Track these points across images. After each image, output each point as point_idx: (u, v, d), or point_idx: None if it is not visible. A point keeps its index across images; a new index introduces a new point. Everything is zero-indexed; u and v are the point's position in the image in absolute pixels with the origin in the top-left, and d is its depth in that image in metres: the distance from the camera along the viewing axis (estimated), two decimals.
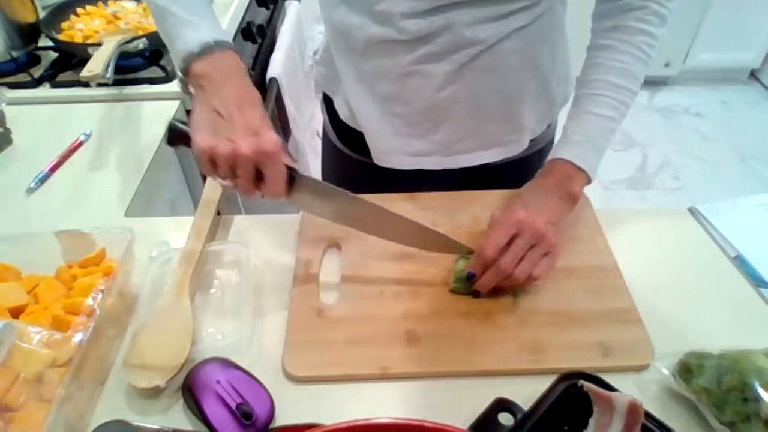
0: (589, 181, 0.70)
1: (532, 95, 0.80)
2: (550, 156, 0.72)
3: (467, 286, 0.67)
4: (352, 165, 0.93)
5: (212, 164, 0.59)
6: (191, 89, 0.65)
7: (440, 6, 0.67)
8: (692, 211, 0.81)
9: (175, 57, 0.65)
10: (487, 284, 0.65)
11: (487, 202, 0.80)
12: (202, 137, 0.59)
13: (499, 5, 0.68)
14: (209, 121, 0.60)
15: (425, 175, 0.86)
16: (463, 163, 0.85)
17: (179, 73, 0.67)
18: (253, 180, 0.60)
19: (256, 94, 0.64)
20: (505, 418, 0.53)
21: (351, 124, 0.86)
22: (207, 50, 0.63)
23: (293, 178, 0.63)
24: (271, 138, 0.58)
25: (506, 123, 0.82)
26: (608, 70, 0.70)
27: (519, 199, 0.69)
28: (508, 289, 0.67)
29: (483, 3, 0.68)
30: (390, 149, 0.84)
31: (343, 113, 0.86)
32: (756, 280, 0.71)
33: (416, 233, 0.68)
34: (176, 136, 0.65)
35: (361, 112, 0.82)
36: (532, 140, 0.87)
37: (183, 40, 0.64)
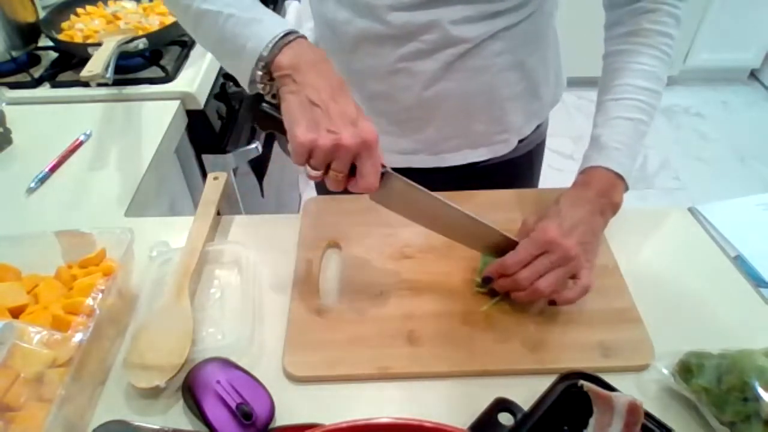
0: (627, 187, 0.68)
1: (520, 96, 0.80)
2: (583, 164, 0.69)
3: (485, 285, 0.66)
4: None
5: (308, 156, 0.57)
6: (271, 85, 0.62)
7: (427, 1, 0.67)
8: (692, 211, 0.81)
9: (249, 57, 0.61)
10: (501, 289, 0.64)
11: (486, 201, 0.80)
12: (303, 131, 0.56)
13: (486, 4, 0.68)
14: (307, 113, 0.57)
15: (413, 174, 0.85)
16: (450, 161, 0.85)
17: (258, 72, 0.61)
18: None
19: (342, 80, 0.61)
20: (505, 418, 0.53)
21: None
22: (283, 42, 0.60)
23: (382, 174, 0.60)
24: (370, 128, 0.57)
25: (493, 123, 0.81)
26: (631, 73, 0.69)
27: (556, 211, 0.65)
28: (536, 300, 0.64)
29: (470, 1, 0.68)
30: None
31: None
32: (756, 280, 0.71)
33: (499, 243, 0.66)
34: (268, 122, 0.62)
35: None
36: (521, 141, 0.87)
37: (255, 38, 0.61)
